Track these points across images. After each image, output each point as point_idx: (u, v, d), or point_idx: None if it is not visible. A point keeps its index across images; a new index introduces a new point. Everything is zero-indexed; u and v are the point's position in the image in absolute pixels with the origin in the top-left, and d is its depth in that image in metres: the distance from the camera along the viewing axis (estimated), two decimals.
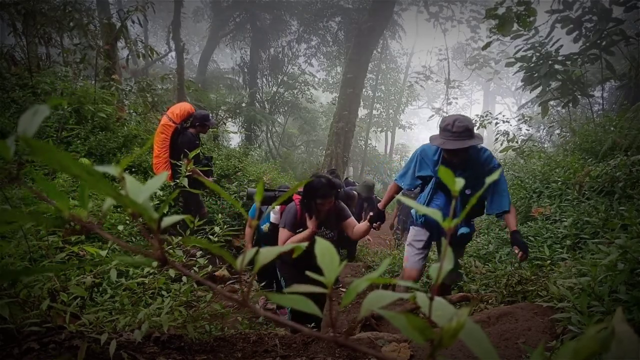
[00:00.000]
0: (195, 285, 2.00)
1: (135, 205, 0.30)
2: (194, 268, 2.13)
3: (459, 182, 0.37)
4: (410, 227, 3.20)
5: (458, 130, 2.58)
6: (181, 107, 4.54)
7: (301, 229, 2.92)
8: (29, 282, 1.57)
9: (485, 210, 2.86)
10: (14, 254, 1.82)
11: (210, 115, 4.78)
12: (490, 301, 2.85)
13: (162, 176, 0.35)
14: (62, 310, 1.50)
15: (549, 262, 2.98)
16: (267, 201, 3.23)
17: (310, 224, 2.85)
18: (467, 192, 2.65)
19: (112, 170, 0.32)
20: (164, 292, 1.90)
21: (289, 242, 2.85)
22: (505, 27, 5.59)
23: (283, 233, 2.92)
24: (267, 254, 0.34)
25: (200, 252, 2.50)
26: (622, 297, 1.61)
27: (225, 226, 2.83)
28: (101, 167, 0.31)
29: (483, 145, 2.82)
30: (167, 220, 0.33)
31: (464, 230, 2.83)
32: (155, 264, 1.29)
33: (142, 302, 1.82)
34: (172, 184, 3.51)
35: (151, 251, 0.32)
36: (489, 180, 0.43)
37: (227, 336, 1.94)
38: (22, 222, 0.31)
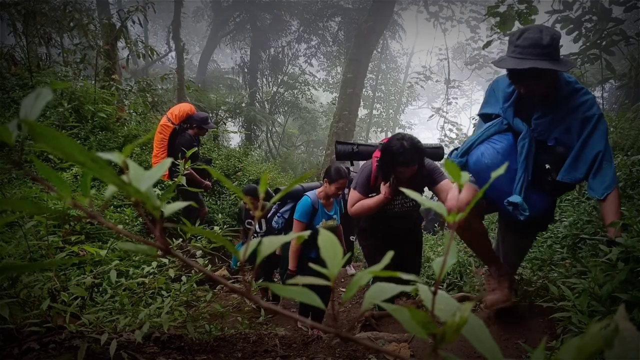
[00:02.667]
0: (195, 285, 2.00)
1: (138, 193, 0.29)
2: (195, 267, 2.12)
3: (464, 176, 0.35)
4: None
5: (523, 43, 1.75)
6: (180, 108, 4.54)
7: (374, 194, 2.55)
8: (29, 282, 1.57)
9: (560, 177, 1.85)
10: (14, 254, 1.82)
11: (210, 118, 4.77)
12: None
13: (164, 164, 0.35)
14: (62, 310, 1.50)
15: (549, 262, 2.97)
16: (344, 156, 2.84)
17: (384, 189, 2.46)
18: (551, 142, 1.88)
19: (116, 157, 0.32)
20: (163, 292, 1.90)
21: (357, 205, 2.55)
22: (506, 25, 5.59)
23: (353, 194, 2.60)
24: (270, 244, 0.34)
25: (200, 252, 2.50)
26: (622, 297, 1.61)
27: (225, 226, 2.83)
28: (105, 154, 0.31)
29: (583, 87, 1.89)
30: (170, 208, 0.33)
31: (516, 199, 1.82)
32: (155, 264, 1.28)
33: (142, 302, 1.82)
34: (170, 182, 3.52)
35: (153, 241, 0.31)
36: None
37: (227, 336, 1.94)
38: (23, 211, 0.31)
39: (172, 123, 4.44)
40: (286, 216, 3.46)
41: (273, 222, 3.53)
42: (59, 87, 0.36)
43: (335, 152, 2.88)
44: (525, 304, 2.33)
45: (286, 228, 3.44)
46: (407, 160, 2.31)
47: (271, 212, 3.73)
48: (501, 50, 18.53)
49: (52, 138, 0.26)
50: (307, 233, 0.42)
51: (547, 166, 1.88)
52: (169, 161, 0.37)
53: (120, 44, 7.19)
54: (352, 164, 3.15)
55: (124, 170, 0.31)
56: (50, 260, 1.75)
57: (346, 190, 3.35)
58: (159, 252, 0.31)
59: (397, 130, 22.97)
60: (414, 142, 2.35)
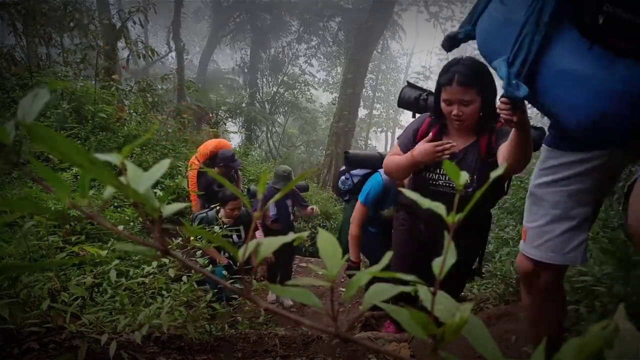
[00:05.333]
0: (196, 285, 2.00)
1: (136, 194, 0.29)
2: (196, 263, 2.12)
3: (463, 176, 0.33)
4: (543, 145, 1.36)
5: None
6: (205, 146, 4.41)
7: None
8: (29, 282, 1.57)
9: None
10: (14, 254, 1.82)
11: (235, 156, 4.41)
12: (490, 301, 2.85)
13: (162, 165, 0.35)
14: (62, 310, 1.50)
15: None
16: (407, 105, 2.18)
17: (420, 145, 1.77)
18: None
19: (114, 158, 0.32)
20: (164, 292, 1.90)
21: (387, 159, 1.98)
22: None
23: (394, 148, 2.03)
24: (270, 244, 0.34)
25: (200, 252, 2.50)
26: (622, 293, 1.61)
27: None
28: (103, 155, 0.31)
29: None
30: (169, 209, 0.33)
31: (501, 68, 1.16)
32: (155, 264, 1.28)
33: (142, 302, 1.82)
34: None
35: (152, 241, 0.31)
36: None
37: (227, 336, 1.94)
38: (23, 211, 0.31)
39: (198, 161, 4.31)
40: (355, 180, 3.02)
41: (340, 183, 3.17)
42: (57, 86, 0.36)
43: (399, 96, 2.18)
44: None
45: (353, 191, 3.02)
46: (451, 78, 1.64)
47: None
48: None
49: (50, 139, 0.26)
50: (305, 234, 0.42)
51: None
52: (167, 162, 0.38)
53: (121, 44, 7.19)
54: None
55: (123, 171, 0.31)
56: (50, 260, 1.75)
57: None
58: (158, 253, 0.31)
59: (398, 131, 22.96)
60: (477, 63, 1.67)
